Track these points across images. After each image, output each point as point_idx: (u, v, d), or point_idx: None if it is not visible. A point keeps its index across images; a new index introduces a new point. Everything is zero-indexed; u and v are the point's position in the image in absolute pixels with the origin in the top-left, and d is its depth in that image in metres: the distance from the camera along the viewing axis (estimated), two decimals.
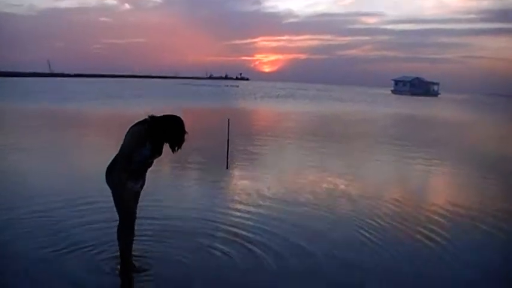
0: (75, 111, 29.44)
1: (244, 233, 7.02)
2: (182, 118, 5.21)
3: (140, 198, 5.54)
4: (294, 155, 15.53)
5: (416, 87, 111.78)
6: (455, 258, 6.53)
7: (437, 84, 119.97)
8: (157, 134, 5.07)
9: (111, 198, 5.22)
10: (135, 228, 5.54)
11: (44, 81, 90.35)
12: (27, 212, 7.65)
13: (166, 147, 5.25)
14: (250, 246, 6.49)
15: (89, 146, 15.70)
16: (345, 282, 5.67)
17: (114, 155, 5.14)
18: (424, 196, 10.30)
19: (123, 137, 5.09)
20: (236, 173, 11.77)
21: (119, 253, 5.51)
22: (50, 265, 5.66)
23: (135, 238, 5.66)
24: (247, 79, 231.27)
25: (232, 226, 7.32)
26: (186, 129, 5.18)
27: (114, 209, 5.29)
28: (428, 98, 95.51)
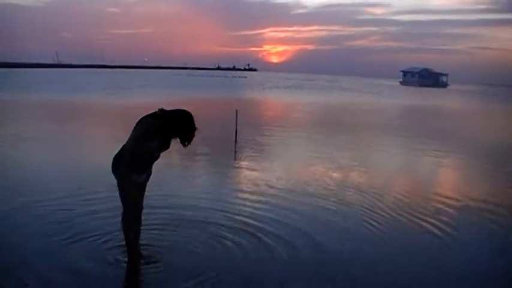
0: (83, 102, 29.53)
1: (254, 222, 7.04)
2: (191, 112, 5.15)
3: (149, 189, 5.54)
4: (302, 145, 15.51)
5: (425, 78, 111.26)
6: (464, 250, 6.54)
7: (446, 75, 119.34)
8: (168, 129, 5.03)
9: (117, 188, 5.21)
10: (143, 218, 5.55)
11: (51, 72, 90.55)
12: (31, 201, 7.69)
13: (173, 142, 5.21)
14: (260, 235, 6.50)
15: (96, 136, 15.76)
16: (355, 272, 5.66)
17: (121, 146, 5.12)
18: (433, 187, 10.25)
19: (132, 129, 5.06)
20: (244, 163, 11.78)
21: (125, 243, 5.52)
22: (53, 255, 5.66)
23: (143, 228, 5.67)
24: (255, 70, 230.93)
25: (242, 216, 7.34)
26: (196, 123, 5.13)
27: (119, 198, 5.29)
28: (437, 89, 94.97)
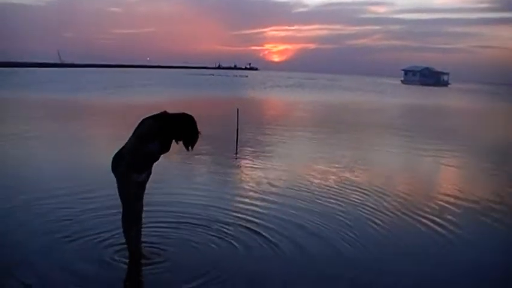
0: (85, 101, 29.50)
1: (256, 221, 7.04)
2: (193, 115, 5.17)
3: (151, 187, 5.55)
4: (303, 144, 15.54)
5: (426, 77, 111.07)
6: (468, 248, 6.58)
7: (447, 74, 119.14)
8: (170, 133, 5.05)
9: (116, 187, 5.23)
10: (144, 217, 5.54)
11: (54, 71, 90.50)
12: (33, 199, 7.72)
13: (173, 143, 5.22)
14: (263, 234, 6.50)
15: (96, 135, 15.80)
16: (360, 271, 5.63)
17: (122, 145, 5.14)
18: (436, 186, 10.27)
19: (133, 129, 5.08)
20: (246, 162, 11.79)
21: (125, 242, 5.52)
22: (54, 253, 5.66)
23: (145, 227, 5.68)
24: (257, 69, 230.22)
25: (245, 214, 7.34)
26: (198, 123, 5.13)
27: (119, 197, 5.30)
28: (438, 88, 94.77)
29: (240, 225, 6.86)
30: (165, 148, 5.17)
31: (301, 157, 12.97)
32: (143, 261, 5.49)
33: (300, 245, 6.26)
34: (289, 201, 8.25)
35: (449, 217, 7.75)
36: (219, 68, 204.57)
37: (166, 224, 6.75)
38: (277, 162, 11.85)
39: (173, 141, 5.17)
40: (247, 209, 7.67)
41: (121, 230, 5.51)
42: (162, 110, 5.17)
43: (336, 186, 9.47)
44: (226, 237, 6.38)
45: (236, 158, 12.29)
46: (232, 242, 6.23)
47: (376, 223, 7.27)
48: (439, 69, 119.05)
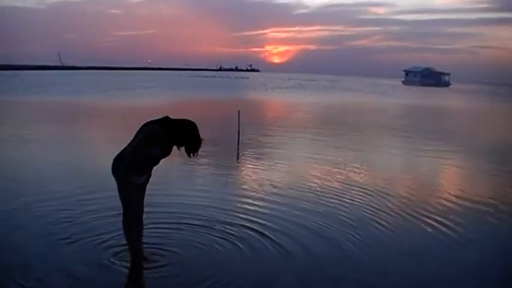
0: (85, 104, 29.49)
1: (259, 223, 7.00)
2: (196, 121, 5.15)
3: (153, 189, 5.53)
4: (304, 146, 15.47)
5: (427, 77, 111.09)
6: (473, 248, 6.54)
7: (448, 74, 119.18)
8: (172, 139, 5.05)
9: (117, 189, 5.20)
10: (145, 219, 5.52)
11: (55, 74, 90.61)
12: (32, 201, 7.70)
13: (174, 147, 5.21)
14: (266, 236, 6.46)
15: (96, 138, 15.75)
16: (365, 272, 5.59)
17: (123, 148, 5.12)
18: (439, 187, 10.20)
19: (135, 132, 5.07)
20: (248, 163, 11.76)
21: (126, 244, 5.49)
22: (54, 256, 5.63)
23: (146, 229, 5.66)
24: (258, 70, 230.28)
25: (248, 216, 7.30)
26: (199, 126, 5.12)
27: (119, 200, 5.27)
28: (439, 88, 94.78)
29: (243, 226, 6.84)
30: (166, 153, 5.17)
31: (303, 158, 12.93)
32: (145, 263, 5.45)
33: (304, 245, 6.22)
34: (292, 202, 8.21)
35: (453, 217, 7.70)
36: (220, 69, 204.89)
37: (169, 225, 6.73)
38: (279, 163, 11.81)
39: (174, 146, 5.16)
40: (250, 210, 7.65)
41: (121, 231, 5.48)
42: (164, 115, 5.15)
43: (338, 187, 9.43)
44: (229, 238, 6.34)
45: (238, 160, 12.27)
46: (236, 243, 6.19)
47: (380, 224, 7.23)
48: (439, 69, 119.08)
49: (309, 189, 9.21)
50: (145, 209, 5.50)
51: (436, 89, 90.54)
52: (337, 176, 10.43)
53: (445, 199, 8.85)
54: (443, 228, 7.14)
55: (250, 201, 8.24)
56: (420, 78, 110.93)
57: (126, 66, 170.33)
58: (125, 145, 5.13)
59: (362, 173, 10.94)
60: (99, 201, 7.62)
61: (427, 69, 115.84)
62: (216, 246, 6.08)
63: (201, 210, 7.47)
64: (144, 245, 5.62)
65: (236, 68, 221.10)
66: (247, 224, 6.91)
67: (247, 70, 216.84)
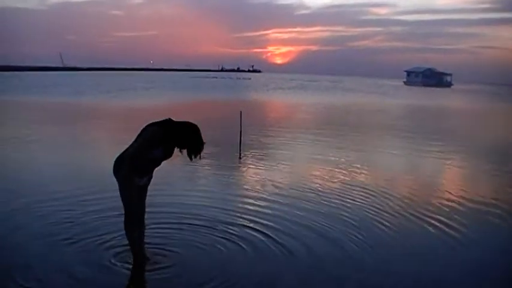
0: (87, 105, 29.54)
1: (261, 223, 6.98)
2: (197, 118, 5.15)
3: (155, 189, 5.53)
4: (306, 146, 15.44)
5: (428, 78, 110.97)
6: (477, 249, 6.50)
7: (450, 75, 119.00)
8: (174, 141, 5.06)
9: (118, 190, 5.19)
10: (147, 219, 5.52)
11: (57, 75, 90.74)
12: (33, 201, 7.70)
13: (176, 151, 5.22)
14: (269, 236, 6.44)
15: (98, 138, 15.74)
16: (368, 273, 5.56)
17: (124, 149, 5.11)
18: (441, 187, 10.15)
19: (137, 133, 5.08)
20: (250, 164, 11.74)
21: (128, 244, 5.48)
22: (54, 256, 5.62)
23: (149, 229, 5.67)
24: (259, 71, 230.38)
25: (250, 216, 7.29)
26: (201, 125, 5.13)
27: (121, 201, 5.27)
28: (441, 89, 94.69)
29: (245, 226, 6.83)
30: (168, 155, 5.18)
31: (305, 159, 12.92)
32: (147, 263, 5.44)
33: (306, 246, 6.20)
34: (294, 202, 8.20)
35: (455, 218, 7.67)
36: (222, 70, 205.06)
37: (171, 225, 6.72)
38: (281, 164, 11.79)
39: (176, 148, 5.16)
40: (252, 210, 7.64)
41: (122, 232, 5.48)
42: (167, 117, 5.16)
43: (340, 188, 9.40)
44: (231, 238, 6.33)
45: (240, 160, 12.25)
46: (239, 243, 6.18)
47: (382, 224, 7.21)
48: (441, 70, 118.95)
49: (311, 189, 9.18)
50: (147, 209, 5.50)
51: (438, 89, 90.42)
52: (339, 177, 10.41)
53: (448, 199, 8.82)
54: (446, 229, 7.12)
55: (252, 201, 8.22)
56: (422, 79, 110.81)
57: (128, 67, 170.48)
58: (126, 146, 5.13)
59: (364, 173, 10.91)
60: (100, 202, 7.61)
61: (429, 69, 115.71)
62: (219, 246, 6.06)
63: (203, 211, 7.45)
64: (146, 245, 5.60)
65: (238, 68, 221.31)
66: (250, 224, 6.90)
67: (249, 71, 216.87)
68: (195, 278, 5.20)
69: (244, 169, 11.28)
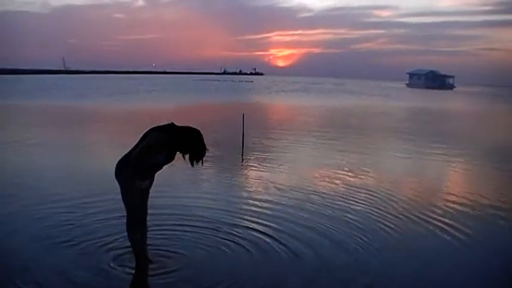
0: (89, 108, 29.55)
1: (265, 225, 6.96)
2: (200, 120, 5.14)
3: (158, 191, 5.52)
4: (309, 149, 15.40)
5: (431, 80, 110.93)
6: (482, 250, 6.49)
7: (452, 77, 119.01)
8: (177, 147, 5.06)
9: (119, 193, 5.19)
10: (149, 222, 5.51)
11: (59, 78, 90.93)
12: (31, 204, 7.69)
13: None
14: (272, 238, 6.40)
15: (99, 142, 15.69)
16: (373, 275, 5.52)
17: (126, 152, 5.12)
18: (446, 189, 10.06)
19: (140, 137, 5.08)
20: (252, 166, 11.70)
21: (130, 246, 5.45)
22: (52, 259, 5.59)
23: (152, 232, 5.66)
24: (262, 74, 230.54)
25: (254, 218, 7.27)
26: (204, 128, 5.12)
27: (123, 204, 5.26)
28: (443, 91, 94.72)
29: (249, 227, 6.81)
30: (170, 159, 5.18)
31: (308, 161, 12.88)
32: (150, 265, 5.41)
33: (312, 248, 6.17)
34: (298, 204, 8.17)
35: (461, 219, 7.64)
36: (224, 73, 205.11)
37: (173, 228, 6.68)
38: (284, 166, 11.77)
39: (177, 152, 5.15)
40: (256, 212, 7.63)
41: (123, 234, 5.49)
42: (170, 121, 5.15)
43: (344, 190, 9.35)
44: (236, 240, 6.30)
45: (242, 162, 12.23)
46: (243, 245, 6.16)
47: (387, 226, 7.16)
48: (444, 72, 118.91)
49: (315, 191, 9.13)
50: (150, 212, 5.50)
51: (441, 91, 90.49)
52: (343, 179, 10.35)
53: (452, 201, 8.78)
54: (451, 230, 7.09)
55: (255, 203, 8.20)
56: (424, 81, 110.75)
57: (130, 70, 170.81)
58: (128, 149, 5.14)
59: (368, 175, 10.85)
60: (100, 205, 7.60)
61: (432, 72, 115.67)
62: (223, 248, 6.03)
63: (206, 213, 7.43)
64: (150, 247, 5.60)
65: (240, 71, 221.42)
66: (253, 226, 6.89)
67: (251, 74, 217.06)
68: (201, 281, 5.15)
69: (247, 171, 11.24)
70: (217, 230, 6.65)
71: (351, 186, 9.70)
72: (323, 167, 11.63)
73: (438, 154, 14.51)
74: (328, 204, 8.27)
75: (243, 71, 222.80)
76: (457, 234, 6.94)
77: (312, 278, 5.41)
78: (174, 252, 5.82)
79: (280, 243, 6.26)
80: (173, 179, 9.13)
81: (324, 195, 8.83)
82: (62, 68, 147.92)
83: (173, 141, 5.00)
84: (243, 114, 14.72)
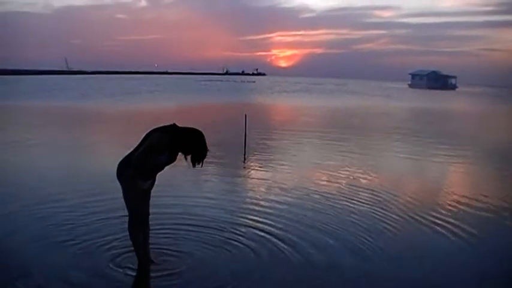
0: (91, 108, 29.55)
1: (268, 225, 6.95)
2: (202, 121, 5.16)
3: (160, 191, 5.52)
4: (312, 149, 15.39)
5: (433, 80, 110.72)
6: (487, 250, 6.49)
7: (454, 77, 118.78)
8: (179, 148, 5.06)
9: (121, 193, 5.18)
10: (151, 222, 5.50)
11: (62, 78, 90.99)
12: (31, 203, 7.71)
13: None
14: (275, 238, 6.41)
15: (101, 142, 15.71)
16: (378, 276, 5.52)
17: (128, 153, 5.12)
18: (451, 188, 10.05)
19: (142, 138, 5.08)
20: (255, 166, 11.71)
21: (133, 247, 5.44)
22: (51, 259, 5.58)
23: (154, 232, 5.65)
24: (264, 74, 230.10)
25: (256, 218, 7.26)
26: (206, 128, 5.13)
27: (125, 205, 5.25)
28: (445, 91, 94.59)
29: (251, 229, 6.77)
30: (172, 159, 5.19)
31: (310, 161, 12.85)
32: (157, 267, 5.39)
33: (318, 248, 6.18)
34: (300, 205, 8.15)
35: (465, 219, 7.65)
36: (226, 73, 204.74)
37: (175, 228, 6.67)
38: (286, 166, 11.75)
39: (179, 153, 5.16)
40: (257, 213, 7.60)
41: (123, 234, 5.50)
42: (172, 122, 5.17)
43: (348, 190, 9.32)
44: (237, 241, 6.27)
45: (245, 163, 12.24)
46: (244, 246, 6.13)
47: (392, 226, 7.17)
48: (446, 72, 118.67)
49: (318, 192, 9.11)
50: (153, 211, 5.49)
51: (443, 92, 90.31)
52: (346, 179, 10.35)
53: (455, 201, 8.78)
54: (456, 230, 7.12)
55: (260, 203, 8.22)
56: (426, 82, 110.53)
57: (132, 70, 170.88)
58: (130, 150, 5.15)
59: (371, 176, 10.81)
60: (101, 204, 7.62)
61: (434, 72, 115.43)
62: (229, 249, 6.03)
63: (209, 213, 7.44)
64: (155, 247, 5.62)
65: (242, 72, 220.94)
66: (258, 226, 6.90)
67: (253, 74, 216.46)
68: (209, 283, 5.14)
69: (249, 171, 11.23)
70: (221, 230, 6.64)
71: (354, 186, 9.68)
72: (325, 167, 11.62)
73: (441, 154, 14.48)
74: (332, 204, 8.26)
75: (245, 72, 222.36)
76: (461, 233, 6.95)
77: (319, 277, 5.40)
78: (179, 251, 5.82)
79: (286, 243, 6.25)
80: (175, 179, 9.12)
81: (328, 196, 8.82)
82: (65, 69, 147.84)
83: (175, 142, 5.01)
84: (245, 115, 14.73)
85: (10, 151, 13.20)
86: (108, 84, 68.78)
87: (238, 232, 6.59)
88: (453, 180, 11.48)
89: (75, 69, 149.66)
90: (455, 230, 7.11)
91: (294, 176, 10.53)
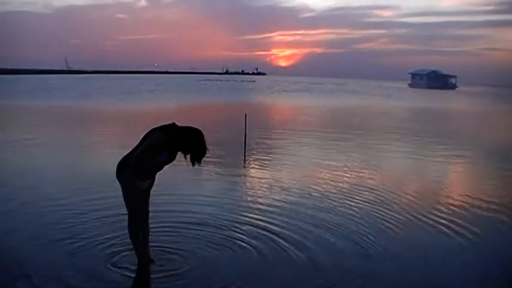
0: (91, 108, 29.53)
1: (269, 224, 6.93)
2: (202, 120, 5.14)
3: (160, 191, 5.50)
4: (312, 148, 15.36)
5: (433, 80, 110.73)
6: (490, 249, 6.47)
7: (454, 77, 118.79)
8: (179, 147, 5.05)
9: (120, 193, 5.17)
10: (151, 222, 5.49)
11: (62, 78, 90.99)
12: (30, 202, 7.71)
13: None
14: (276, 237, 6.39)
15: (100, 142, 15.61)
16: (381, 276, 5.48)
17: (127, 152, 5.10)
18: (450, 189, 10.09)
19: (141, 137, 5.06)
20: (255, 166, 11.67)
21: (132, 247, 5.43)
22: (49, 258, 5.56)
23: (154, 232, 5.64)
24: (264, 74, 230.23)
25: (257, 217, 7.24)
26: (206, 128, 5.11)
27: (124, 204, 5.24)
28: (445, 91, 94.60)
29: (252, 229, 6.75)
30: (172, 159, 5.17)
31: (310, 161, 12.82)
32: (159, 268, 5.38)
33: (321, 246, 6.18)
34: (301, 205, 8.12)
35: (466, 218, 7.64)
36: (226, 73, 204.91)
37: (176, 228, 6.63)
38: (286, 165, 11.72)
39: (179, 152, 5.15)
40: (258, 212, 7.60)
41: (122, 232, 5.52)
42: (171, 121, 5.15)
43: (349, 190, 9.30)
44: (238, 241, 6.25)
45: (245, 162, 12.21)
46: (251, 243, 6.15)
47: (394, 225, 7.16)
48: (446, 72, 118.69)
49: (319, 191, 9.11)
50: (152, 209, 5.47)
51: (443, 91, 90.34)
52: (347, 178, 10.33)
53: (457, 200, 8.78)
54: (458, 229, 7.11)
55: (260, 201, 8.21)
56: (426, 81, 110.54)
57: (132, 70, 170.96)
58: (129, 150, 5.13)
59: (371, 175, 10.78)
60: (100, 203, 7.60)
61: (434, 71, 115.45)
62: (231, 247, 6.02)
63: (209, 214, 7.39)
64: (156, 246, 5.62)
65: (242, 71, 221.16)
66: (259, 224, 6.91)
67: (253, 73, 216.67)
68: (212, 282, 5.12)
69: (249, 171, 11.22)
70: (222, 229, 6.64)
71: (355, 185, 9.67)
72: (326, 167, 11.60)
73: (441, 154, 14.47)
74: (333, 203, 8.26)
75: (245, 71, 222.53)
76: (464, 233, 6.94)
77: (322, 276, 5.38)
78: (181, 250, 5.81)
79: (288, 241, 6.25)
80: (175, 179, 9.10)
81: (329, 195, 8.81)
82: (65, 68, 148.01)
83: (174, 141, 4.99)
84: (245, 114, 14.70)
85: (9, 150, 13.17)
86: (108, 84, 68.79)
87: (239, 231, 6.59)
88: (454, 180, 11.46)
89: (75, 68, 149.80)
90: (458, 229, 7.10)
91: (294, 175, 10.51)
